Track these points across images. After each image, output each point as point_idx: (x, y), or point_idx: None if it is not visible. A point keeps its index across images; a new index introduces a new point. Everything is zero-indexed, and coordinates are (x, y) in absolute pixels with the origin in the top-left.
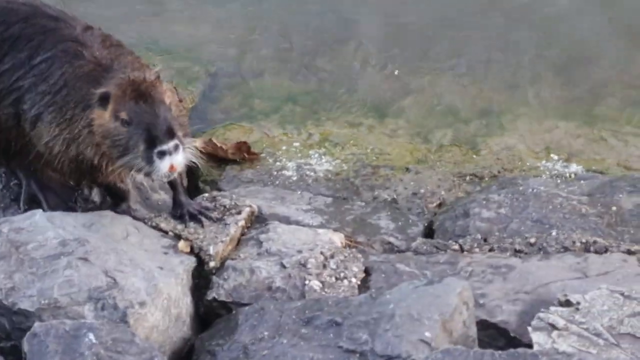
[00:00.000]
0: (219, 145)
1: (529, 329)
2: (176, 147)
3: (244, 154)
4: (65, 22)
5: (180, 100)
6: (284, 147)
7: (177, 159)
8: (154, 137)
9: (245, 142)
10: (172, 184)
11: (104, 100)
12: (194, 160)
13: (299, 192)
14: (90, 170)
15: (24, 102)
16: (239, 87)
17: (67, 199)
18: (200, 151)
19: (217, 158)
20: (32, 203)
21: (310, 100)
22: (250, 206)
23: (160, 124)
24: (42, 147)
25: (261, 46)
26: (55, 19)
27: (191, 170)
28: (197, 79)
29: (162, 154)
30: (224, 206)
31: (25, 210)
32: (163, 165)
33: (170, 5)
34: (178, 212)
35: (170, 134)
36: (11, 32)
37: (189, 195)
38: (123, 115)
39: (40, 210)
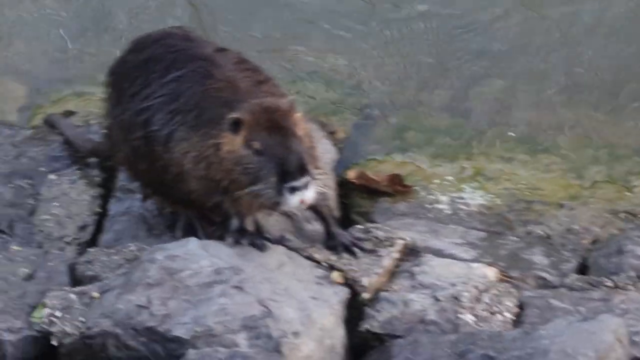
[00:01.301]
0: (371, 177)
1: None
2: (307, 184)
3: (397, 187)
4: (196, 42)
5: (333, 132)
6: (436, 181)
7: (307, 194)
8: (286, 172)
9: (398, 175)
10: (322, 217)
11: (236, 126)
12: (324, 191)
13: (453, 226)
14: (218, 192)
15: (154, 122)
16: (393, 118)
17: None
18: (353, 183)
19: (369, 190)
20: (189, 231)
21: (463, 133)
22: (403, 239)
23: (293, 159)
24: (175, 168)
25: (415, 78)
26: (187, 38)
27: (344, 202)
28: (350, 110)
29: (293, 190)
30: (377, 238)
31: (181, 238)
32: (293, 200)
33: (324, 35)
34: (331, 243)
35: (303, 170)
36: (143, 56)
37: (342, 226)
38: (256, 145)
39: (194, 239)
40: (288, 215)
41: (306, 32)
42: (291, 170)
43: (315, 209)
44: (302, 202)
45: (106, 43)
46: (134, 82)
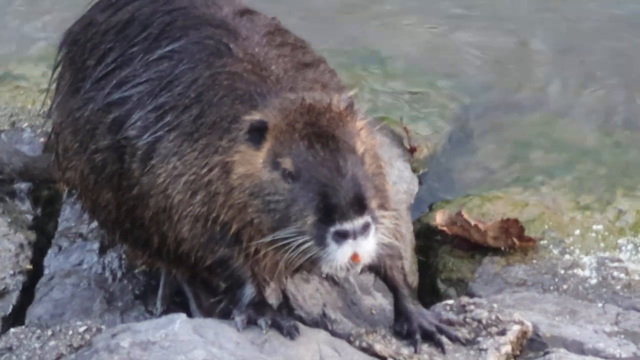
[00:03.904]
0: (472, 223)
1: None
2: (366, 228)
3: (513, 240)
4: None
5: (414, 149)
6: (576, 231)
7: (364, 245)
8: (333, 208)
9: (515, 221)
10: (390, 284)
11: (258, 133)
12: (394, 243)
13: (600, 305)
14: (224, 241)
15: (131, 124)
16: (506, 130)
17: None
18: (442, 231)
19: (468, 244)
20: (174, 304)
21: (620, 157)
22: (520, 323)
23: (345, 188)
24: (157, 200)
25: (537, 68)
26: None
27: (426, 262)
28: (440, 115)
29: (341, 236)
30: (479, 321)
31: (162, 314)
32: (341, 253)
33: (398, 5)
34: (404, 328)
35: (359, 207)
36: (120, 16)
37: (422, 301)
38: (287, 163)
39: (183, 316)
40: (334, 280)
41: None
42: (340, 205)
43: (377, 272)
44: (356, 258)
45: None
46: (103, 58)
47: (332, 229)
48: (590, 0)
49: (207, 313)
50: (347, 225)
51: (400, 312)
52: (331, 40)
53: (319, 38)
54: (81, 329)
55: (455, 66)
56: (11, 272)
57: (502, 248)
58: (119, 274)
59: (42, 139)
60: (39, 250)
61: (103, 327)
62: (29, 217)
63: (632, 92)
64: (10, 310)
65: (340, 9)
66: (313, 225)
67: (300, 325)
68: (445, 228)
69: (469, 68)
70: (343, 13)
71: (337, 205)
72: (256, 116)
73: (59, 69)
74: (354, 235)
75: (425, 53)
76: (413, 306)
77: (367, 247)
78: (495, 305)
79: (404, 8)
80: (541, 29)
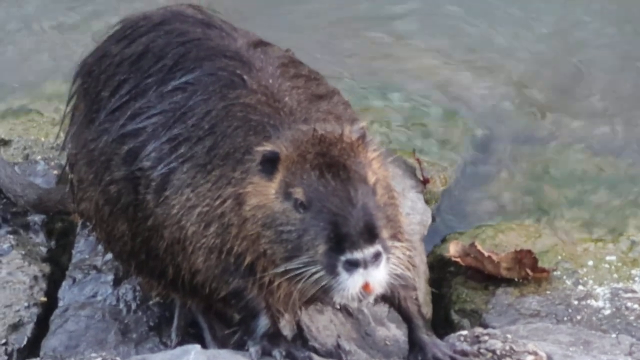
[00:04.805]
0: (486, 254)
1: None
2: (377, 257)
3: (526, 271)
4: (220, 29)
5: (427, 181)
6: (590, 262)
7: (375, 274)
8: (343, 237)
9: (529, 252)
10: (403, 315)
11: (270, 163)
12: (407, 274)
13: (614, 335)
14: (238, 272)
15: (145, 156)
16: (519, 162)
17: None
18: (455, 262)
19: (482, 275)
20: (189, 335)
21: (633, 188)
22: (534, 353)
23: (356, 217)
24: (172, 231)
25: (550, 101)
26: (206, 24)
27: (439, 292)
28: (453, 147)
29: (352, 265)
30: (493, 352)
31: (177, 345)
32: (352, 282)
33: (409, 34)
34: (418, 358)
35: (370, 236)
36: (135, 48)
37: (435, 332)
38: (298, 193)
39: (197, 347)
40: (347, 311)
41: (388, 23)
42: (350, 234)
43: (391, 302)
44: (367, 288)
45: (70, 27)
46: (117, 90)
47: (343, 258)
48: (606, 31)
49: (222, 344)
50: (358, 254)
51: (414, 343)
52: (345, 72)
53: (334, 70)
54: None
55: (468, 99)
56: (25, 304)
57: (516, 279)
58: (133, 306)
59: (55, 171)
60: (53, 283)
61: (118, 358)
62: (43, 250)
63: None
64: (25, 342)
65: (355, 41)
66: (324, 255)
67: (315, 356)
68: (458, 259)
69: (482, 101)
70: (357, 46)
71: (348, 234)
72: (268, 147)
73: (74, 100)
74: (365, 264)
75: (439, 85)
76: (427, 337)
77: (378, 277)
78: (509, 336)
79: (418, 41)
80: (554, 62)
